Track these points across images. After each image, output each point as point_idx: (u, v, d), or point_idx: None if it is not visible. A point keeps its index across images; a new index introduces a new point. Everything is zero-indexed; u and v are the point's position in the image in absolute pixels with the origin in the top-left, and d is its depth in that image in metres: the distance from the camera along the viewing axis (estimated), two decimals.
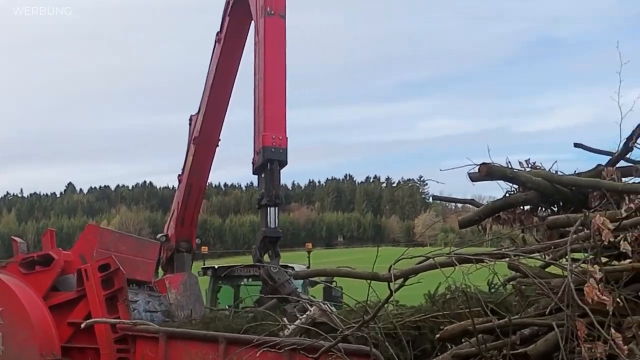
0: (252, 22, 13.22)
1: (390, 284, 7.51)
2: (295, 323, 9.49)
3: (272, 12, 12.47)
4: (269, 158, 11.81)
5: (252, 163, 12.16)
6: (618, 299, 6.21)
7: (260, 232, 11.86)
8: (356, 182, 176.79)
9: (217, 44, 15.82)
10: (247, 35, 14.53)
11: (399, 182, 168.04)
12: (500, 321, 6.70)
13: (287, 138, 12.11)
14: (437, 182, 9.00)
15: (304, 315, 9.65)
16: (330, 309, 9.61)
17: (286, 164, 12.02)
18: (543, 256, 7.45)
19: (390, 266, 7.45)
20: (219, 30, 15.72)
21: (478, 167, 8.21)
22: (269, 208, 11.84)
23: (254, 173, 12.15)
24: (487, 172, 8.16)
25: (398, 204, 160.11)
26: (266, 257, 11.74)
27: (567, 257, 6.34)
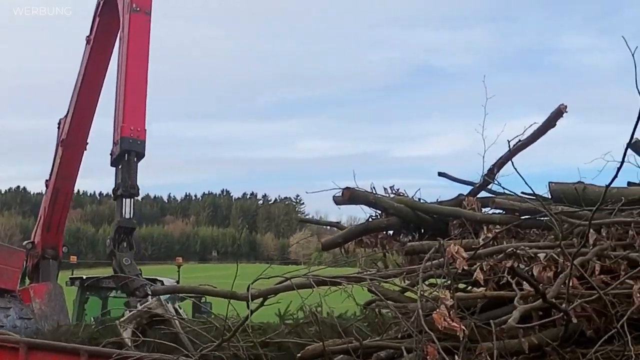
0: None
1: (250, 302, 7.55)
2: (132, 311, 9.55)
3: (138, 9, 12.74)
4: (127, 149, 11.91)
5: (110, 155, 12.16)
6: (469, 326, 6.38)
7: (115, 223, 11.81)
8: (233, 197, 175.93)
9: (87, 45, 15.77)
10: (115, 37, 14.46)
11: (276, 199, 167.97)
12: (354, 343, 6.79)
13: (146, 130, 12.26)
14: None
15: (142, 305, 9.71)
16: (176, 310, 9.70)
17: (144, 156, 12.18)
18: (401, 281, 7.63)
19: (249, 286, 7.49)
20: (89, 32, 15.70)
21: (342, 191, 8.35)
22: (124, 199, 11.91)
23: (112, 164, 12.15)
24: (350, 197, 8.32)
25: (274, 222, 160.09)
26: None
27: (419, 283, 6.48)
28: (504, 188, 8.11)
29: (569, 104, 8.50)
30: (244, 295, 7.57)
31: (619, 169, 4.13)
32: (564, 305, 5.56)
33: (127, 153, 12.00)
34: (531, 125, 8.36)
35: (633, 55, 3.83)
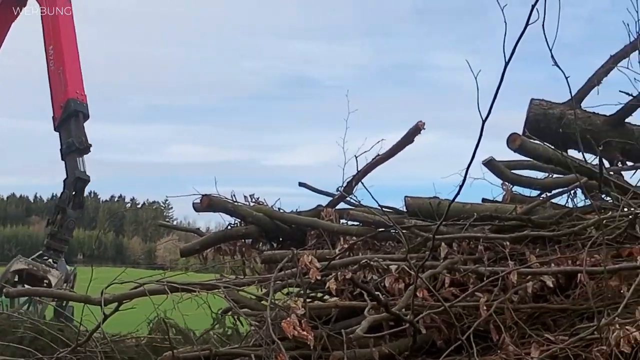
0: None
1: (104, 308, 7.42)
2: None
3: None
4: (76, 109, 12.56)
5: (54, 119, 12.36)
6: (321, 335, 6.43)
7: (72, 176, 11.85)
8: (100, 199, 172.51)
9: None
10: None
11: (144, 203, 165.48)
12: (205, 351, 6.75)
13: (86, 96, 12.97)
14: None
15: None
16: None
17: (88, 117, 12.94)
18: (258, 289, 7.65)
19: (102, 290, 7.35)
20: None
21: (201, 198, 8.32)
22: (79, 154, 12.46)
23: (57, 129, 12.37)
24: (208, 204, 8.31)
25: (141, 225, 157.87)
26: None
27: (270, 292, 6.51)
28: (358, 201, 8.27)
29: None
30: (97, 300, 7.43)
31: (461, 186, 4.26)
32: (408, 317, 5.65)
33: (75, 113, 12.54)
34: (379, 141, 8.51)
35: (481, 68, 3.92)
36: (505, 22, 3.46)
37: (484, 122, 3.69)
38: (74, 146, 12.29)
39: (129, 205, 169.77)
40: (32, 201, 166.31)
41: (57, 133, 12.83)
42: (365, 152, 8.22)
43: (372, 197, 6.54)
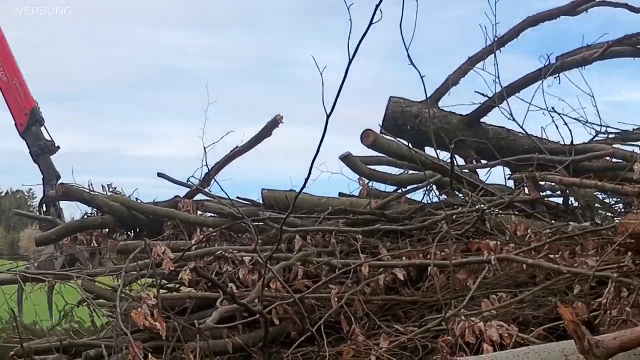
0: None
1: None
2: None
3: None
4: (39, 116, 12.85)
5: (18, 126, 12.90)
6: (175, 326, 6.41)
7: (52, 174, 12.25)
8: None
9: None
10: None
11: (7, 192, 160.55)
12: (56, 343, 6.63)
13: None
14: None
15: None
16: None
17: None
18: (114, 280, 7.55)
19: None
20: None
21: (56, 187, 8.19)
22: (50, 155, 12.63)
23: (23, 135, 12.81)
24: (64, 193, 8.19)
25: (4, 215, 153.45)
26: None
27: (121, 282, 6.46)
28: (212, 194, 8.27)
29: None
30: None
31: (306, 180, 4.31)
32: (257, 308, 5.69)
33: (40, 120, 12.84)
34: (228, 133, 8.54)
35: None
36: (350, 20, 3.55)
37: (328, 117, 3.77)
38: (47, 148, 12.52)
39: None
40: None
41: (23, 139, 13.03)
42: (214, 143, 8.17)
43: (222, 188, 6.60)
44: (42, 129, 12.89)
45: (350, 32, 3.56)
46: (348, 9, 3.53)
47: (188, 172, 9.08)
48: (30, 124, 12.75)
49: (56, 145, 12.94)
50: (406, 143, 8.04)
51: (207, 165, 8.04)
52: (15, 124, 13.09)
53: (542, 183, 7.92)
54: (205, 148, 7.58)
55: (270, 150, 9.48)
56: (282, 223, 5.54)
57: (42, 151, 12.72)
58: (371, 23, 3.52)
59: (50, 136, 13.06)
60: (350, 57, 3.58)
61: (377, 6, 3.49)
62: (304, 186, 4.48)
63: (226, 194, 7.32)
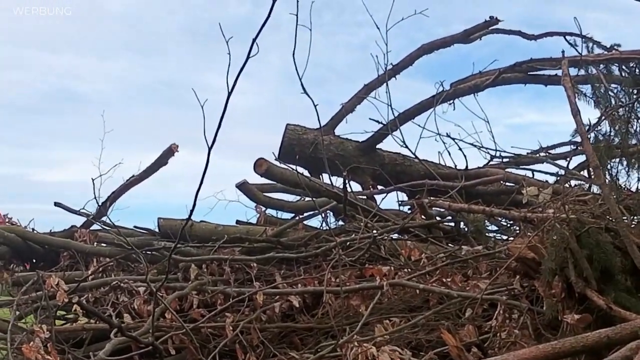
0: None
1: None
2: None
3: None
4: None
5: None
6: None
7: None
8: None
9: None
10: None
11: None
12: None
13: None
14: None
15: None
16: None
17: None
18: (11, 312, 7.44)
19: None
20: None
21: None
22: None
23: None
24: None
25: None
26: None
27: (12, 315, 6.38)
28: (108, 223, 8.22)
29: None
30: None
31: (191, 211, 4.36)
32: (149, 339, 5.68)
33: None
34: (116, 165, 8.49)
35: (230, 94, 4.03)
36: (229, 53, 3.61)
37: (209, 149, 3.83)
38: None
39: None
40: None
41: None
42: (102, 174, 8.03)
43: (111, 220, 6.50)
44: None
45: (229, 64, 3.63)
46: (227, 42, 3.60)
47: (86, 197, 9.01)
48: None
49: None
50: (300, 170, 8.14)
51: (97, 197, 7.85)
52: None
53: (433, 209, 8.08)
54: (93, 180, 7.44)
55: (170, 175, 9.45)
56: (171, 252, 5.53)
57: None
58: (248, 56, 3.60)
59: None
60: (229, 90, 3.64)
61: (254, 40, 3.57)
62: (190, 217, 4.53)
63: (116, 226, 7.25)
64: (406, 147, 9.11)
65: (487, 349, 5.38)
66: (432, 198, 8.02)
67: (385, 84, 9.32)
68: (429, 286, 6.28)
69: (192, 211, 4.32)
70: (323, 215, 8.32)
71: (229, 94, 3.66)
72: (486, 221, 7.85)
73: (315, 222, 8.54)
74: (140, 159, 8.91)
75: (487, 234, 7.89)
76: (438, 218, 8.10)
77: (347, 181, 7.60)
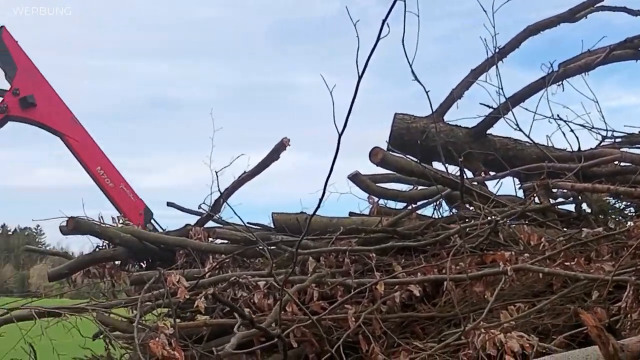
0: None
1: None
2: None
3: None
4: (151, 214, 13.41)
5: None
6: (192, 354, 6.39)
7: None
8: None
9: None
10: None
11: (16, 229, 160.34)
12: None
13: None
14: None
15: None
16: None
17: None
18: (129, 311, 7.54)
19: None
20: None
21: (67, 221, 8.17)
22: None
23: None
24: (74, 227, 8.17)
25: (13, 252, 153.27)
26: None
27: (137, 313, 6.44)
28: (223, 220, 8.27)
29: (300, 139, 8.79)
30: None
31: (320, 200, 4.29)
32: (276, 331, 5.66)
33: (152, 217, 13.28)
34: (238, 157, 8.55)
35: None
36: (357, 37, 3.53)
37: (340, 135, 3.75)
38: None
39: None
40: None
41: None
42: (225, 167, 8.15)
43: (236, 213, 6.52)
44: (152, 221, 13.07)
45: (358, 50, 3.55)
46: (354, 24, 3.52)
47: (188, 200, 9.11)
48: (145, 222, 12.83)
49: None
50: (414, 159, 8.02)
51: (219, 189, 8.00)
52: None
53: (554, 190, 7.89)
54: (216, 172, 7.57)
55: (268, 175, 9.47)
56: (297, 245, 5.50)
57: None
58: (379, 38, 3.51)
59: (161, 226, 13.15)
60: (360, 74, 3.56)
61: (384, 21, 3.48)
62: (318, 206, 4.45)
63: (241, 218, 7.28)
64: (520, 130, 8.89)
65: (619, 331, 5.23)
66: (552, 180, 7.82)
67: (493, 68, 9.13)
68: (554, 270, 6.12)
69: (320, 202, 4.25)
70: (437, 203, 8.20)
71: (360, 77, 3.57)
72: (609, 201, 7.63)
73: (427, 210, 8.45)
74: (248, 157, 8.91)
75: (611, 214, 7.65)
76: (559, 200, 7.91)
77: (463, 167, 7.46)
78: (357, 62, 3.61)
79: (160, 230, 12.65)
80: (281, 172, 9.32)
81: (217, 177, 7.58)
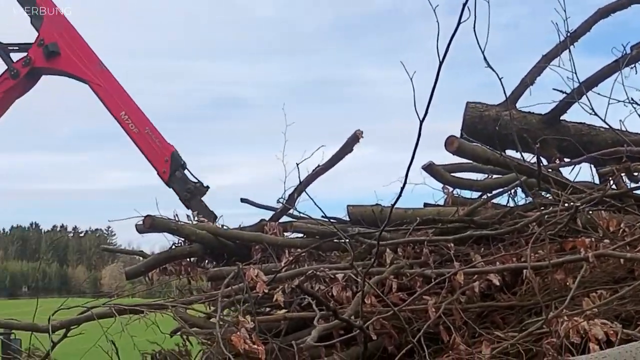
0: None
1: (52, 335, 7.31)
2: None
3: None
4: (181, 159, 13.05)
5: (161, 175, 12.99)
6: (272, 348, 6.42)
7: (210, 215, 12.04)
8: (42, 230, 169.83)
9: None
10: None
11: (87, 231, 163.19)
12: None
13: None
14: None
15: None
16: None
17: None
18: (206, 307, 7.61)
19: (49, 317, 7.25)
20: None
21: (143, 219, 8.25)
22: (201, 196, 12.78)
23: (168, 182, 12.86)
24: (151, 225, 8.24)
25: (85, 254, 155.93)
26: None
27: (218, 308, 6.48)
28: (300, 213, 8.28)
29: (368, 133, 8.75)
30: (44, 327, 7.33)
31: (402, 189, 4.26)
32: (358, 322, 5.65)
33: (182, 163, 13.04)
34: (319, 148, 8.56)
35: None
36: (437, 22, 3.50)
37: (421, 122, 3.72)
38: (196, 190, 12.64)
39: (71, 234, 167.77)
40: None
41: (169, 187, 13.10)
42: (306, 158, 8.22)
43: (317, 206, 6.53)
44: (186, 171, 13.02)
45: (438, 35, 3.51)
46: (434, 10, 3.49)
47: (258, 197, 9.20)
48: (173, 169, 12.80)
49: (205, 185, 12.94)
50: (489, 147, 7.91)
51: (300, 180, 8.07)
52: (158, 173, 13.12)
53: (635, 174, 7.76)
54: (298, 165, 7.67)
55: (335, 171, 9.45)
56: (378, 236, 5.48)
57: (192, 194, 12.70)
58: (459, 22, 3.47)
59: (195, 177, 13.05)
60: (441, 59, 3.52)
61: (465, 4, 3.44)
62: (399, 196, 4.43)
63: (322, 210, 7.31)
64: (596, 114, 8.73)
65: None
66: (633, 164, 7.68)
67: (565, 52, 8.97)
68: (636, 255, 6.02)
69: (401, 191, 4.22)
70: (512, 191, 8.11)
71: (441, 62, 3.54)
72: None
73: (501, 199, 8.36)
74: (322, 151, 8.90)
75: None
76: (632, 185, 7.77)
77: (539, 154, 7.37)
78: (437, 47, 3.58)
79: (195, 181, 12.72)
80: (349, 168, 9.28)
81: (298, 169, 7.61)
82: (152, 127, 13.35)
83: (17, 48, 14.51)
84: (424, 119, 3.67)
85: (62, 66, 14.12)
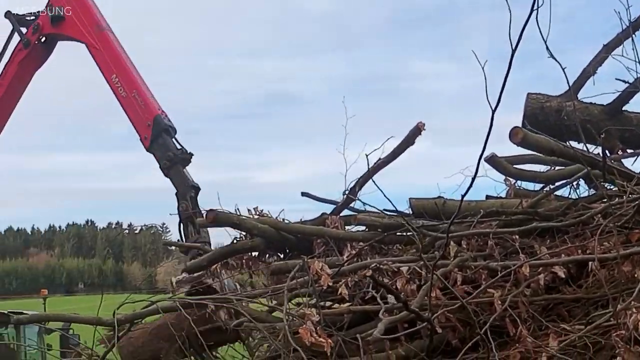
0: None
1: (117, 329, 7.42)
2: None
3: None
4: (165, 124, 12.75)
5: (142, 141, 12.90)
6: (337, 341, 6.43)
7: (185, 187, 11.88)
8: (98, 227, 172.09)
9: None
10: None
11: (142, 228, 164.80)
12: None
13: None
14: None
15: None
16: None
17: (176, 130, 13.17)
18: (268, 301, 7.64)
19: (114, 311, 7.35)
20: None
21: (206, 214, 8.31)
22: (182, 165, 12.53)
23: (149, 148, 12.68)
24: (213, 219, 8.29)
25: (140, 251, 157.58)
26: None
27: (285, 300, 6.51)
28: (365, 204, 8.29)
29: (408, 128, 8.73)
30: (109, 321, 7.43)
31: (473, 179, 4.25)
32: (426, 315, 5.64)
33: (165, 128, 12.69)
34: (388, 139, 8.56)
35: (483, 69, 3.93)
36: (509, 10, 3.49)
37: (493, 112, 3.70)
38: (176, 158, 12.29)
39: (126, 231, 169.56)
40: (30, 233, 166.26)
41: (150, 153, 12.84)
42: (376, 149, 8.33)
43: (387, 197, 6.55)
44: (172, 138, 12.65)
45: (510, 23, 3.50)
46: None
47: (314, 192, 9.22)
48: (154, 134, 12.43)
49: (188, 152, 12.52)
50: (553, 138, 7.84)
51: (369, 169, 8.28)
52: (140, 140, 12.81)
53: None
54: (367, 155, 7.74)
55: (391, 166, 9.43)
56: (447, 229, 5.48)
57: (172, 162, 12.25)
58: (532, 10, 3.46)
59: (181, 144, 12.60)
60: (513, 48, 3.51)
61: None
62: (470, 186, 4.42)
63: (391, 202, 7.34)
64: None
65: None
66: None
67: (628, 41, 8.87)
68: None
69: (471, 184, 4.22)
70: (575, 183, 8.03)
71: (513, 51, 3.53)
72: None
73: (562, 191, 8.28)
74: (382, 145, 8.89)
75: None
76: None
77: (604, 145, 7.29)
78: (509, 35, 3.57)
79: (179, 147, 12.31)
80: (405, 162, 9.24)
81: (367, 159, 7.68)
82: (141, 90, 13.14)
83: (33, 18, 14.69)
84: (495, 109, 3.66)
85: (65, 31, 14.25)
